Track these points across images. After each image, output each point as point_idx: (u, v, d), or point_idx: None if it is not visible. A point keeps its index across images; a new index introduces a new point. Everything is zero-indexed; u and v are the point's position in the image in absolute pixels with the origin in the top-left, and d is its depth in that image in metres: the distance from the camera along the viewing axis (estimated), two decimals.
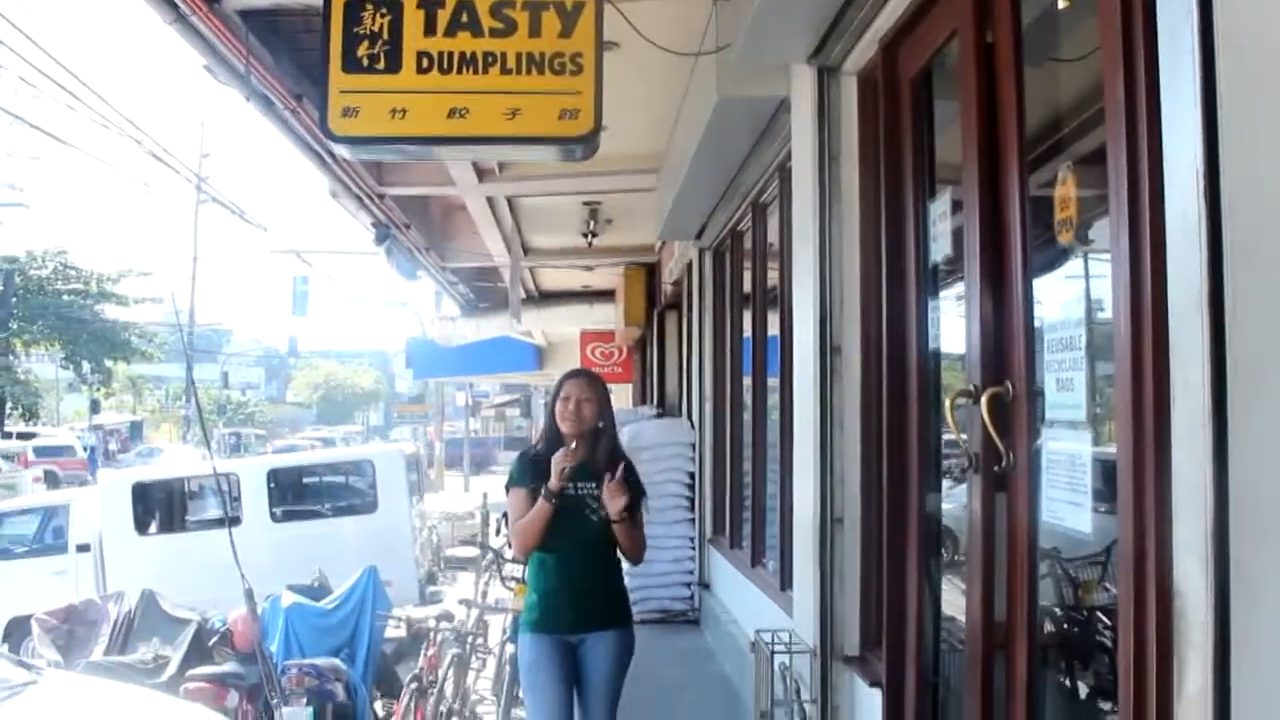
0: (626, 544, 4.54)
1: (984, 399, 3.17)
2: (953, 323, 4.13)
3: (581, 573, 4.52)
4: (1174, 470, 2.17)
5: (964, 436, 3.42)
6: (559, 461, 4.37)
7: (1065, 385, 2.97)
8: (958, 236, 3.67)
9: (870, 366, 4.62)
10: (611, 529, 4.49)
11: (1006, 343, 3.23)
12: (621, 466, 4.51)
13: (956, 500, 4.27)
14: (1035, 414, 3.09)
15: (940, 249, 3.89)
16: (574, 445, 4.45)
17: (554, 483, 4.36)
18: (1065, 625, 3.75)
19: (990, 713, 3.34)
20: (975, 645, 3.42)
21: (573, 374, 4.75)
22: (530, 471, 4.52)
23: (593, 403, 4.54)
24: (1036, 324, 3.14)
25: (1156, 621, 2.23)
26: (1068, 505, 2.96)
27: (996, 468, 3.20)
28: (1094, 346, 2.90)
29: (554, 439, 4.53)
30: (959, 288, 3.70)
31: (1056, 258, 3.22)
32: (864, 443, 4.71)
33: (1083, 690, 3.63)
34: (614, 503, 4.41)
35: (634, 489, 4.58)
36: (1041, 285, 3.19)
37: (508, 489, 4.59)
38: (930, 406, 4.12)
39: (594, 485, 4.48)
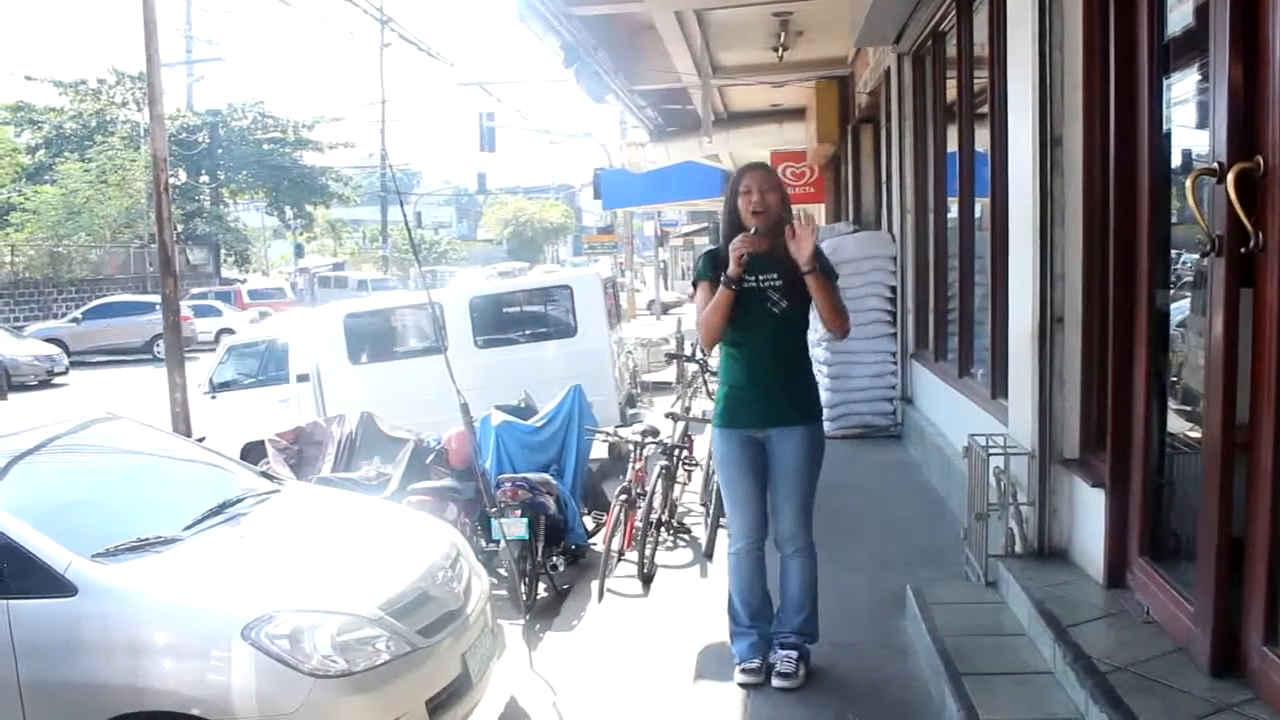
0: (827, 313, 4.33)
1: (1230, 175, 2.96)
2: (1189, 101, 3.85)
3: (767, 367, 4.40)
4: None
5: (1204, 218, 3.20)
6: (736, 247, 4.25)
7: None
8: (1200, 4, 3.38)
9: (1094, 155, 4.37)
10: (797, 323, 4.40)
11: (1259, 113, 2.99)
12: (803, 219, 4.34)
13: (1188, 294, 4.06)
14: None
15: (1179, 18, 3.59)
16: (753, 230, 4.30)
17: (733, 269, 4.25)
18: None
19: (1228, 513, 3.21)
20: (1214, 444, 3.26)
21: (750, 166, 4.57)
22: (714, 265, 4.41)
23: (775, 192, 4.40)
24: None
25: None
26: None
27: (1243, 249, 3.00)
28: None
29: (735, 234, 4.37)
30: (1198, 62, 3.42)
31: None
32: (1086, 236, 4.49)
33: None
34: (801, 248, 4.23)
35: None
36: None
37: (694, 285, 4.51)
38: (1161, 193, 3.88)
39: (776, 276, 4.34)
